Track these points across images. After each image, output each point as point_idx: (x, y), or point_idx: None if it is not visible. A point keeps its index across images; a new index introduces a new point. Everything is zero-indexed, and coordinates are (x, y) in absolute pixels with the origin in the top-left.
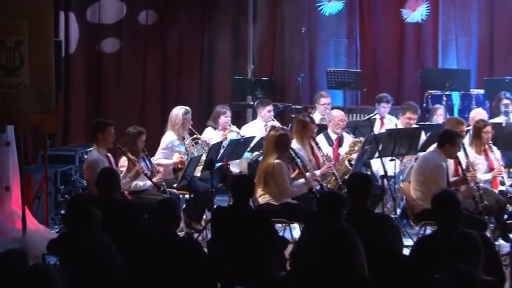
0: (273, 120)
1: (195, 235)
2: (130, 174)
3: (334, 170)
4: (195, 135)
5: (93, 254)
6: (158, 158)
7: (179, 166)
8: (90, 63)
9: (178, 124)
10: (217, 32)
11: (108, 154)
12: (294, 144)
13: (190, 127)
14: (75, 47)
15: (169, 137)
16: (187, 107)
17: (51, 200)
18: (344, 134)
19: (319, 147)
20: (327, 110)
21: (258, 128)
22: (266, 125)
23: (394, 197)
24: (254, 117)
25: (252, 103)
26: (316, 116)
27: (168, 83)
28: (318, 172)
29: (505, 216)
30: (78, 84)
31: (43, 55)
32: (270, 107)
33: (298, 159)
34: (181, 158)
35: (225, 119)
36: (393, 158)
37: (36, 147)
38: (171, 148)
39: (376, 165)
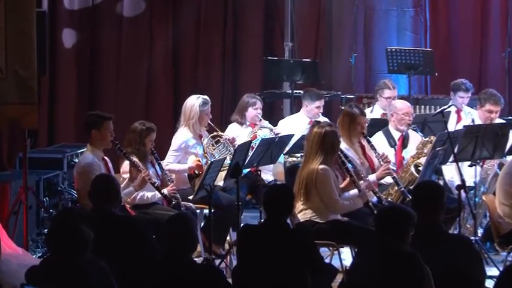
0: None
1: (217, 261)
2: (136, 183)
3: (394, 174)
4: (215, 133)
5: (85, 285)
6: (169, 162)
7: (195, 172)
8: (82, 41)
9: (194, 118)
10: None
11: (106, 157)
12: (341, 143)
13: (210, 122)
14: (64, 21)
15: (182, 135)
16: (206, 97)
17: (32, 215)
18: (410, 131)
19: (372, 146)
20: None
21: (299, 124)
22: (311, 121)
23: (475, 213)
24: (293, 109)
25: (289, 91)
26: (377, 111)
27: (181, 65)
28: (372, 177)
29: None
30: (67, 67)
31: (23, 31)
32: (320, 103)
33: (349, 164)
34: (199, 161)
35: (255, 111)
36: (473, 163)
37: (13, 147)
38: (184, 149)
39: (450, 172)
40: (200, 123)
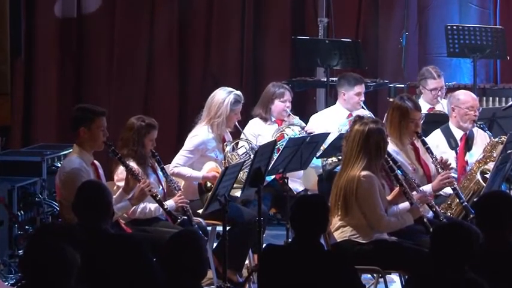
0: (363, 108)
1: None
2: (133, 195)
3: (456, 184)
4: (239, 140)
5: None
6: (178, 163)
7: (208, 185)
8: (67, 17)
9: (221, 117)
10: None
11: (96, 162)
12: (389, 145)
13: (236, 123)
14: None
15: (202, 134)
16: (239, 93)
17: (4, 233)
18: (475, 130)
19: (428, 149)
20: (438, 99)
21: (336, 118)
22: (351, 114)
23: None
24: (329, 101)
25: (324, 79)
26: (422, 105)
27: (189, 47)
28: (428, 188)
29: None
30: (48, 49)
31: None
32: (360, 88)
33: (399, 171)
34: (217, 171)
35: (282, 104)
36: None
37: None
38: (201, 151)
39: None
40: (228, 123)
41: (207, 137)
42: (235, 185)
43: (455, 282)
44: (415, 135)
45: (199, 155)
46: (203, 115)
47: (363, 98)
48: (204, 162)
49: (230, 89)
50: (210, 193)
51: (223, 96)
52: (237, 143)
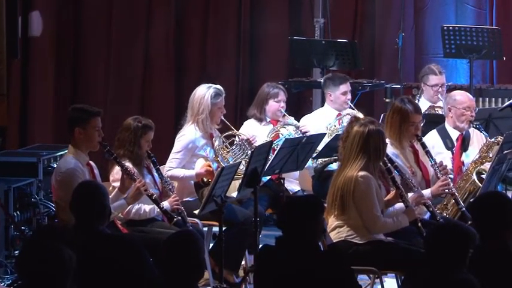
0: (352, 108)
1: None
2: (128, 195)
3: (454, 190)
4: (229, 132)
5: None
6: (171, 167)
7: (205, 180)
8: (63, 19)
9: (204, 113)
10: None
11: (91, 162)
12: (388, 147)
13: (223, 118)
14: None
15: (189, 134)
16: (219, 87)
17: (0, 234)
18: (471, 130)
19: (427, 152)
20: (439, 95)
21: (326, 119)
22: (340, 114)
23: None
24: (325, 102)
25: (321, 80)
26: (423, 104)
27: (185, 47)
28: (427, 192)
29: None
30: (45, 50)
31: None
32: (345, 87)
33: (396, 172)
34: (209, 166)
35: (277, 105)
36: None
37: None
38: (191, 151)
39: None
40: (211, 119)
41: (194, 135)
42: (235, 177)
43: (450, 283)
44: (415, 138)
45: (190, 154)
46: (188, 115)
47: (349, 97)
48: (195, 160)
49: (209, 84)
50: (207, 190)
51: (203, 91)
52: (226, 136)
